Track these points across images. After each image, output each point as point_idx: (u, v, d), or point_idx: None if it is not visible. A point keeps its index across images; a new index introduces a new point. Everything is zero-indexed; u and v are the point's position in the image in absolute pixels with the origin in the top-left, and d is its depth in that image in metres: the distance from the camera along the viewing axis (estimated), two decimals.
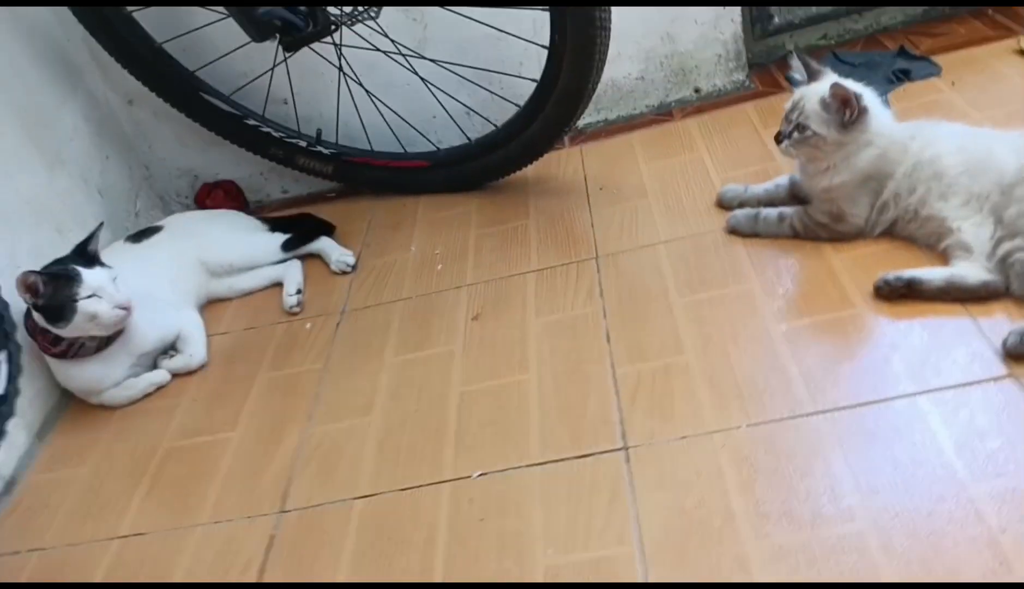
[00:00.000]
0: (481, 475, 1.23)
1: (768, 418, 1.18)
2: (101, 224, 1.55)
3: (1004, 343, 1.16)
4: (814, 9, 2.09)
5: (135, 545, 1.29)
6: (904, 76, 1.90)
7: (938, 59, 1.93)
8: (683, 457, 1.16)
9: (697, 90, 2.10)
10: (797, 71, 1.45)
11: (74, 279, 1.44)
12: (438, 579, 1.10)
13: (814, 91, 1.37)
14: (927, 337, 1.23)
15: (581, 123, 2.13)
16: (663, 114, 2.10)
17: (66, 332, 1.46)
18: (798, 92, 1.41)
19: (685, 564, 1.02)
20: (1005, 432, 1.06)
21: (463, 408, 1.36)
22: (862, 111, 1.33)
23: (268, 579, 1.17)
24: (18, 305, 1.50)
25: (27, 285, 1.41)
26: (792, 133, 1.40)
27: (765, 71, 2.13)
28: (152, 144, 2.17)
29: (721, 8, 1.97)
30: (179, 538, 1.28)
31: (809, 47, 2.16)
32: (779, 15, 2.09)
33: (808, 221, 1.47)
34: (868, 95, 1.38)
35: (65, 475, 1.48)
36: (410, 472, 1.28)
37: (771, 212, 1.52)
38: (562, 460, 1.22)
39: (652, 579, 1.02)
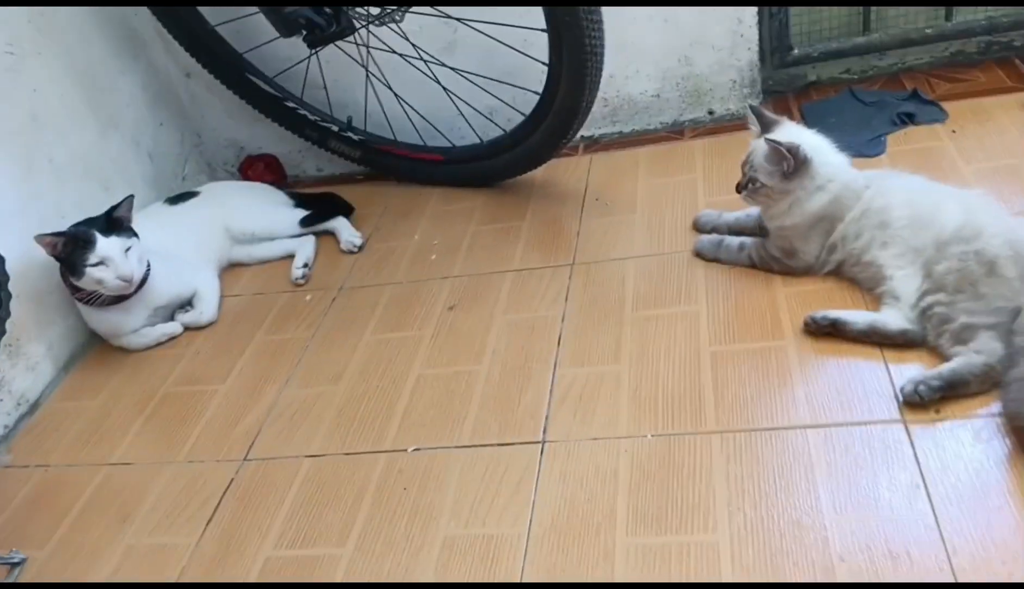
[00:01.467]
0: (415, 450, 1.38)
1: (672, 431, 1.28)
2: (131, 196, 1.73)
3: (902, 390, 1.23)
4: (835, 44, 2.13)
5: (121, 472, 1.49)
6: (908, 119, 1.93)
7: (949, 105, 1.95)
8: (589, 456, 1.28)
9: (711, 112, 2.18)
10: (753, 124, 1.51)
11: (88, 244, 1.63)
12: (355, 536, 1.25)
13: (761, 144, 1.45)
14: (838, 375, 1.31)
15: (598, 133, 2.23)
16: (675, 132, 2.18)
17: (80, 285, 1.66)
18: (752, 144, 1.49)
19: (560, 549, 1.14)
20: (876, 471, 1.14)
21: (416, 389, 1.51)
22: (801, 161, 1.41)
23: (220, 516, 1.35)
24: (23, 257, 1.69)
25: (45, 244, 1.62)
26: (747, 184, 1.49)
27: (782, 99, 2.18)
28: (205, 115, 2.38)
29: (738, 36, 2.04)
30: (156, 471, 1.47)
31: (832, 79, 2.20)
32: (799, 47, 2.14)
33: (764, 254, 1.55)
34: (813, 145, 1.44)
35: (79, 405, 1.69)
36: (357, 440, 1.43)
37: (733, 241, 1.61)
38: (486, 445, 1.35)
39: (530, 559, 1.14)
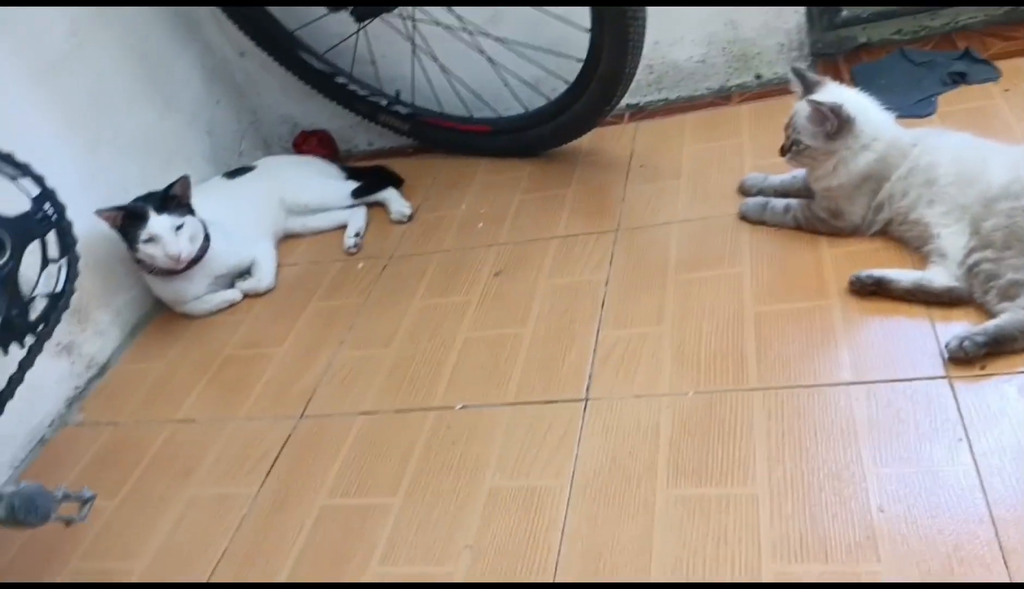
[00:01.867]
0: (463, 407, 1.43)
1: (714, 388, 1.30)
2: (187, 176, 1.79)
3: (947, 346, 1.22)
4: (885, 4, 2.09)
5: (185, 429, 1.57)
6: (960, 79, 1.90)
7: (1003, 64, 1.90)
8: (631, 413, 1.31)
9: (758, 76, 2.16)
10: (795, 86, 1.51)
11: (141, 220, 1.71)
12: (404, 487, 1.30)
13: (804, 106, 1.45)
14: (883, 333, 1.31)
15: (643, 101, 2.24)
16: (722, 97, 2.17)
17: (138, 257, 1.75)
18: (795, 106, 1.49)
19: (601, 500, 1.18)
20: (918, 426, 1.14)
21: (464, 351, 1.55)
22: (844, 121, 1.40)
23: (278, 469, 1.42)
24: (91, 229, 1.75)
25: (106, 217, 1.71)
26: (791, 147, 1.48)
27: (832, 61, 2.15)
28: (260, 92, 2.45)
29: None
30: (218, 428, 1.55)
31: (883, 40, 2.16)
32: (848, 8, 2.10)
33: (809, 215, 1.55)
34: (857, 104, 1.43)
35: (145, 367, 1.78)
36: (407, 398, 1.48)
37: (778, 203, 1.61)
38: (531, 403, 1.39)
39: (572, 509, 1.18)
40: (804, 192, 1.63)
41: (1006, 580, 0.94)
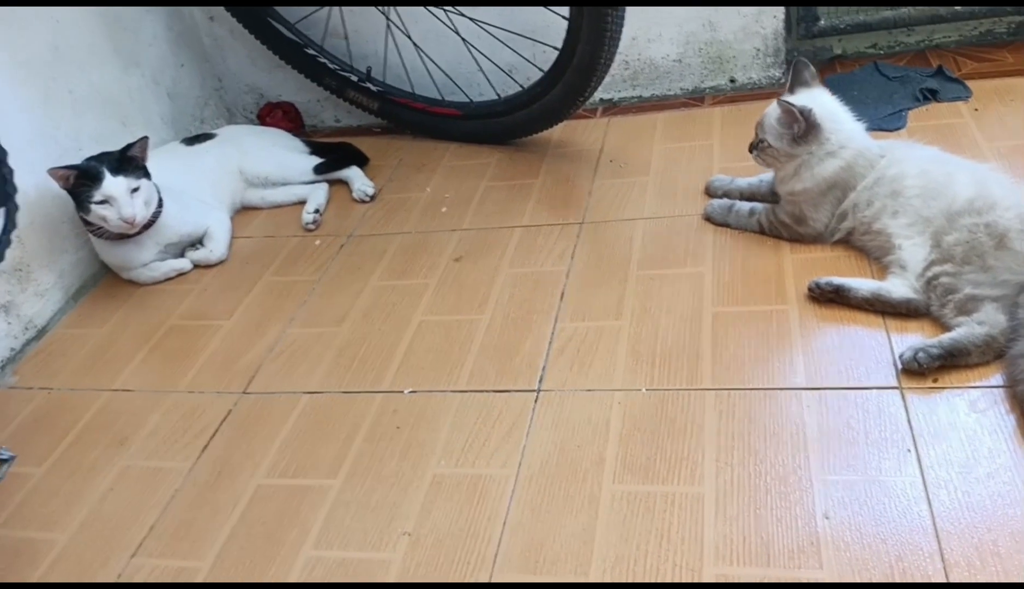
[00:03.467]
0: (412, 392, 1.39)
1: (667, 387, 1.28)
2: (146, 137, 1.72)
3: (901, 356, 1.22)
4: (862, 16, 2.09)
5: (121, 398, 1.51)
6: (932, 95, 1.90)
7: (974, 84, 1.92)
8: (582, 407, 1.28)
9: (732, 80, 2.15)
10: (787, 78, 1.49)
11: (95, 180, 1.64)
12: (345, 469, 1.26)
13: (775, 106, 1.44)
14: (838, 341, 1.30)
15: (617, 96, 2.21)
16: (695, 98, 2.16)
17: (88, 220, 1.68)
18: (769, 106, 1.48)
19: (547, 492, 1.15)
20: (868, 435, 1.13)
21: (418, 334, 1.51)
22: (812, 126, 1.39)
23: (215, 444, 1.37)
24: (39, 186, 1.71)
25: (58, 176, 1.64)
26: (757, 144, 1.48)
27: None
28: (226, 59, 2.38)
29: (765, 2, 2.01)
30: (157, 399, 1.49)
31: (857, 53, 2.17)
32: (825, 18, 2.10)
33: (773, 220, 1.54)
34: (830, 110, 1.43)
35: (85, 333, 1.71)
36: (355, 379, 1.44)
37: (744, 206, 1.60)
38: (482, 391, 1.36)
39: (516, 500, 1.15)
40: (770, 197, 1.62)
41: None
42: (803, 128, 1.39)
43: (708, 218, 1.64)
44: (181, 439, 1.39)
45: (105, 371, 1.59)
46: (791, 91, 1.50)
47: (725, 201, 1.64)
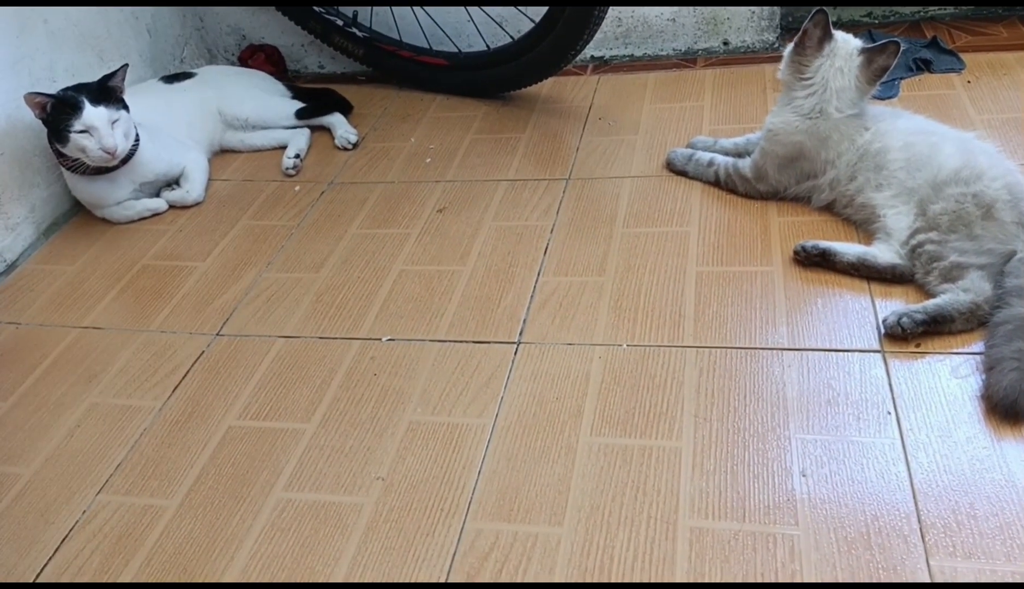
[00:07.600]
0: (390, 340, 1.36)
1: (648, 343, 1.27)
2: (126, 65, 1.67)
3: (884, 321, 1.21)
4: None
5: (90, 336, 1.48)
6: (925, 66, 1.89)
7: (967, 57, 1.91)
8: (562, 359, 1.26)
9: (726, 42, 2.12)
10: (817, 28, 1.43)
11: (75, 110, 1.58)
12: (319, 414, 1.24)
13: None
14: (822, 304, 1.29)
15: (608, 54, 2.18)
16: (687, 60, 2.13)
17: (64, 151, 1.63)
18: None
19: (523, 443, 1.14)
20: (848, 396, 1.13)
21: (398, 283, 1.49)
22: (826, 35, 1.40)
23: (187, 384, 1.34)
24: (11, 117, 1.67)
25: (34, 103, 1.58)
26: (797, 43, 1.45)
27: None
28: None
29: None
30: (128, 338, 1.46)
31: (852, 21, 2.15)
32: None
33: (732, 172, 1.55)
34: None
35: (56, 269, 1.67)
36: (333, 325, 1.41)
37: (704, 156, 1.62)
38: (462, 341, 1.34)
39: (492, 449, 1.13)
40: (734, 155, 1.62)
41: (922, 552, 0.92)
42: (819, 37, 1.40)
43: (668, 164, 1.67)
44: (152, 378, 1.36)
45: (75, 308, 1.55)
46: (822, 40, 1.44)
47: (685, 150, 1.65)
